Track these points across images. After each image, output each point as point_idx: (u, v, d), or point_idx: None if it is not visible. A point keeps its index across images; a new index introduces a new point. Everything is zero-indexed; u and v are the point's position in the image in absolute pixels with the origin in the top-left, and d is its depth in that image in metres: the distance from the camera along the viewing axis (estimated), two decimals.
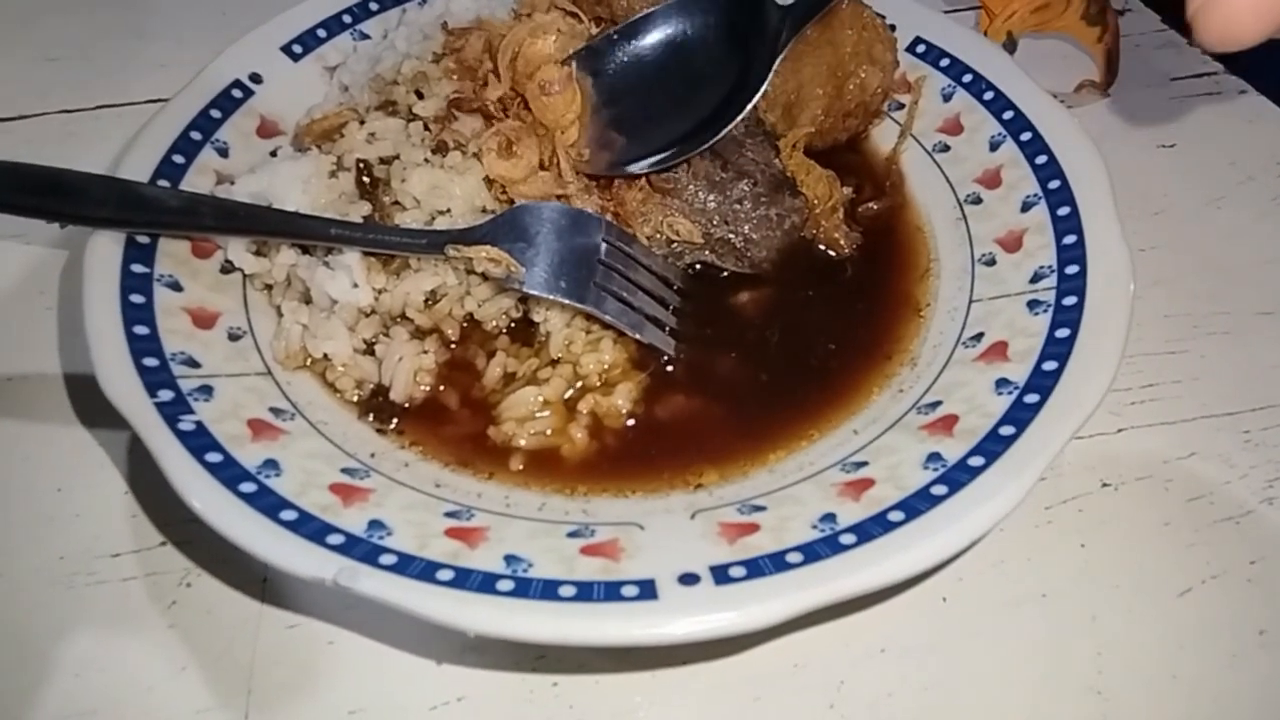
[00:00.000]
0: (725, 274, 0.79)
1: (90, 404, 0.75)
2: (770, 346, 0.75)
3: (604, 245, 0.72)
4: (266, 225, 0.69)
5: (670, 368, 0.72)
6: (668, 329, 0.73)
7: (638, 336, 0.71)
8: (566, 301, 0.69)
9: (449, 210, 0.73)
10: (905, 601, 0.64)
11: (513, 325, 0.75)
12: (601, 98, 0.77)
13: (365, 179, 0.74)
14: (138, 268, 0.68)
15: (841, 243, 0.81)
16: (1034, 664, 0.62)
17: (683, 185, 0.78)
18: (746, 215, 0.78)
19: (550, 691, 0.61)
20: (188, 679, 0.61)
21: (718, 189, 0.78)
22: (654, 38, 0.78)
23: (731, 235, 0.78)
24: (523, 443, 0.68)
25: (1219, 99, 1.03)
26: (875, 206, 0.85)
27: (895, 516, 0.56)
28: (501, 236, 0.68)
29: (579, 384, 0.71)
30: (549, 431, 0.69)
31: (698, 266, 0.79)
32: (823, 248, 0.82)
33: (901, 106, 0.90)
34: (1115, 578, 0.66)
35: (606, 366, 0.72)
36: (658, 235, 0.77)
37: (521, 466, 0.67)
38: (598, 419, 0.70)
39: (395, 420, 0.69)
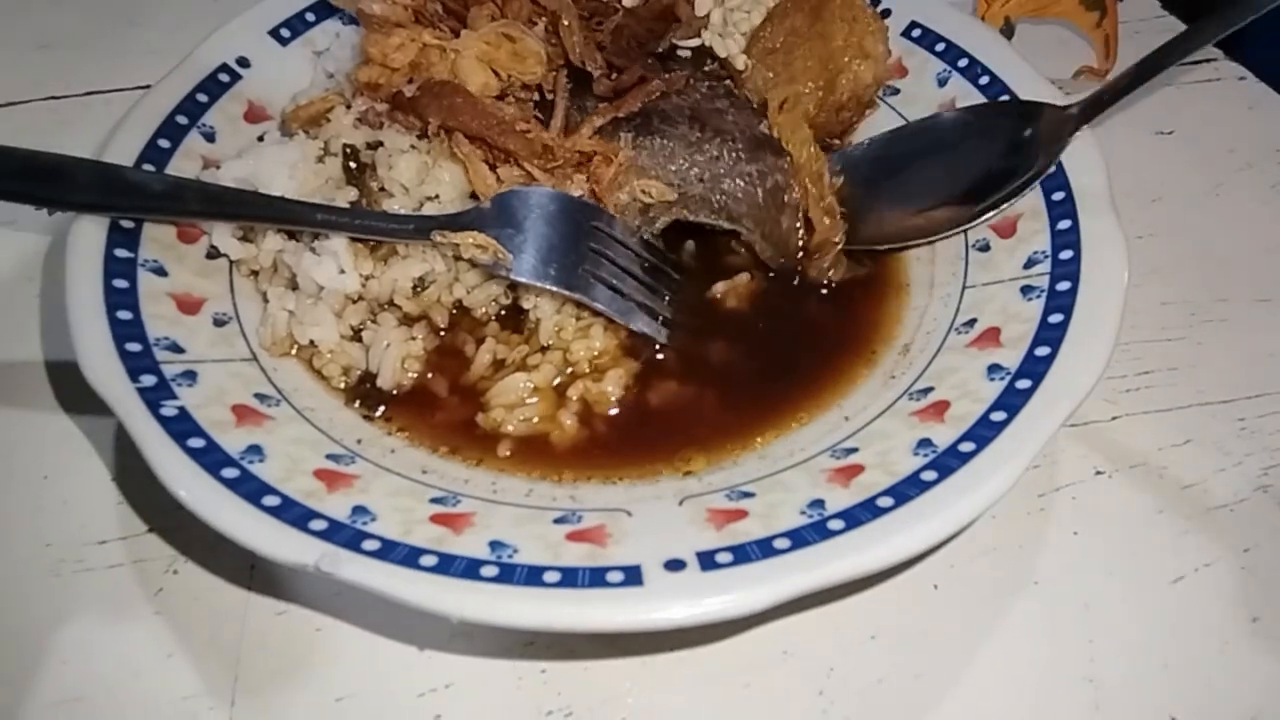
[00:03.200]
0: (719, 260, 0.77)
1: (77, 391, 0.73)
2: (762, 334, 0.74)
3: (595, 231, 0.71)
4: (251, 210, 0.69)
5: (661, 355, 0.72)
6: (660, 318, 0.72)
7: (628, 324, 0.70)
8: (555, 289, 0.68)
9: (438, 196, 0.72)
10: (896, 588, 0.64)
11: (502, 312, 0.74)
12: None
13: (352, 164, 0.73)
14: (122, 252, 0.67)
15: (826, 222, 0.78)
16: (1026, 652, 0.62)
17: (656, 150, 0.75)
18: (726, 172, 0.75)
19: (539, 678, 0.60)
20: (175, 665, 0.61)
21: (694, 148, 0.75)
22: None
23: (708, 192, 0.75)
24: (511, 429, 0.67)
25: (1218, 85, 1.02)
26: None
27: (884, 502, 0.56)
28: (489, 222, 0.68)
29: (569, 370, 0.70)
30: (538, 418, 0.68)
31: (686, 248, 0.77)
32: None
33: (897, 91, 0.89)
34: (1108, 565, 0.66)
35: (597, 353, 0.71)
36: (633, 202, 0.75)
37: (509, 453, 0.66)
38: (588, 405, 0.69)
39: (382, 407, 0.68)
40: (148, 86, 0.97)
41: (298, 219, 0.68)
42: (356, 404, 0.68)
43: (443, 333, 0.73)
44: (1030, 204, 0.74)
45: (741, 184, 0.75)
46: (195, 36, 0.85)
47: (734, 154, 0.75)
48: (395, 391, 0.69)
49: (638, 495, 0.63)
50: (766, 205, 0.76)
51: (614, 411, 0.69)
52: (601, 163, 0.73)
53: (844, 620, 0.62)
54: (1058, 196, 0.72)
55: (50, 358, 0.77)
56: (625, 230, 0.73)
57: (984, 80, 0.84)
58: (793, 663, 0.61)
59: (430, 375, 0.71)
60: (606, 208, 0.74)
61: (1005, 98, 0.81)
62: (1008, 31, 1.00)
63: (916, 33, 0.89)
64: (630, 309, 0.70)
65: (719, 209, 0.75)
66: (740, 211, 0.75)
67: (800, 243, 0.78)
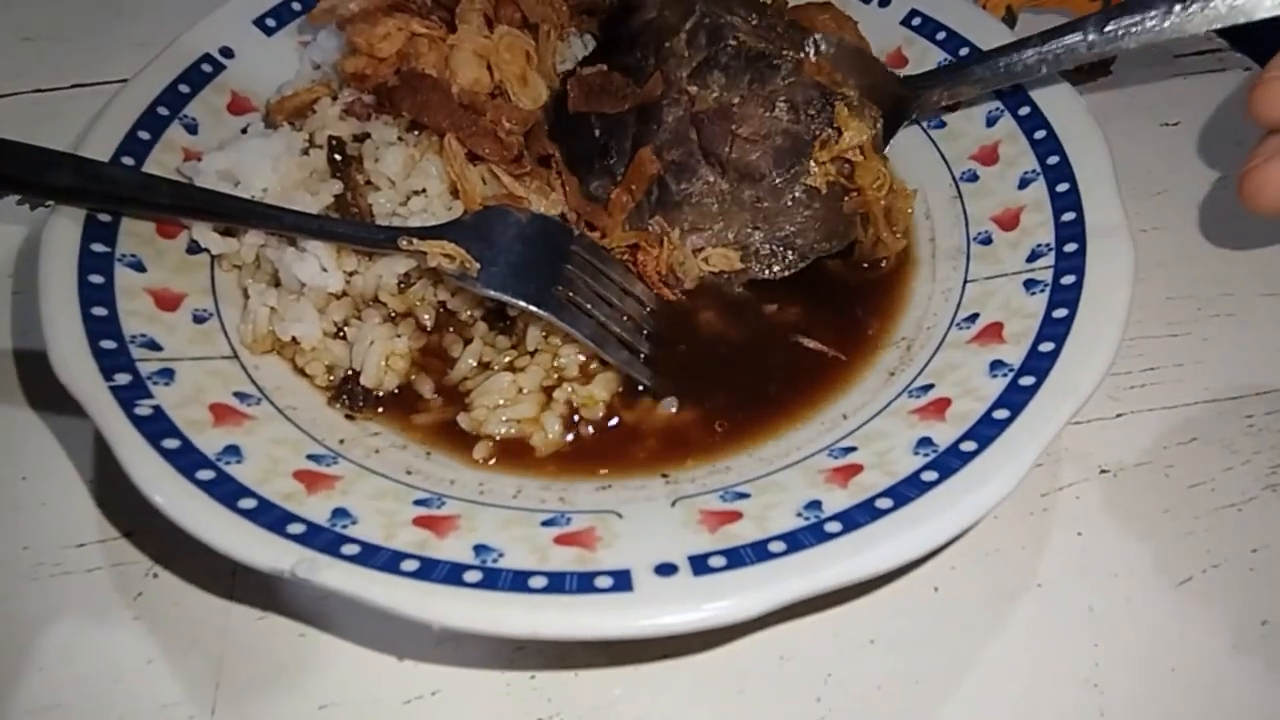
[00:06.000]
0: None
1: (56, 389, 0.72)
2: (755, 333, 0.72)
3: (573, 254, 0.68)
4: (221, 210, 0.67)
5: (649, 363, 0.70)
6: (641, 355, 0.69)
7: (600, 352, 0.66)
8: (523, 304, 0.65)
9: (424, 190, 0.71)
10: (896, 591, 0.62)
11: (488, 315, 0.72)
12: None
13: (337, 157, 0.71)
14: (98, 247, 0.65)
15: (890, 237, 0.72)
16: (1028, 656, 0.60)
17: (691, 214, 0.71)
18: (777, 211, 0.70)
19: (528, 684, 0.59)
20: (154, 672, 0.59)
21: (729, 199, 0.70)
22: None
23: (770, 240, 0.70)
24: (495, 430, 0.65)
25: (1223, 76, 1.00)
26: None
27: (883, 504, 0.54)
28: (465, 235, 0.65)
29: (557, 375, 0.68)
30: (523, 420, 0.66)
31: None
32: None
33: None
34: (1113, 567, 0.64)
35: (587, 358, 0.69)
36: (703, 278, 0.72)
37: (490, 456, 0.64)
38: (574, 409, 0.67)
39: (366, 406, 0.67)
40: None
41: (266, 222, 0.67)
42: (341, 403, 0.67)
43: (429, 331, 0.71)
44: (1034, 195, 0.72)
45: (800, 213, 0.70)
46: (181, 27, 0.83)
47: (773, 185, 0.70)
48: (379, 391, 0.68)
49: (629, 496, 0.61)
50: (833, 210, 0.71)
51: (602, 415, 0.67)
52: (646, 250, 0.69)
53: (842, 624, 0.61)
54: (1062, 188, 0.71)
55: (28, 355, 0.75)
56: (604, 257, 0.71)
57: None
58: (790, 668, 0.60)
59: (414, 376, 0.69)
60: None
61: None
62: (1009, 20, 0.98)
63: (916, 20, 0.87)
64: (605, 338, 0.67)
65: (792, 254, 0.71)
66: (811, 241, 0.70)
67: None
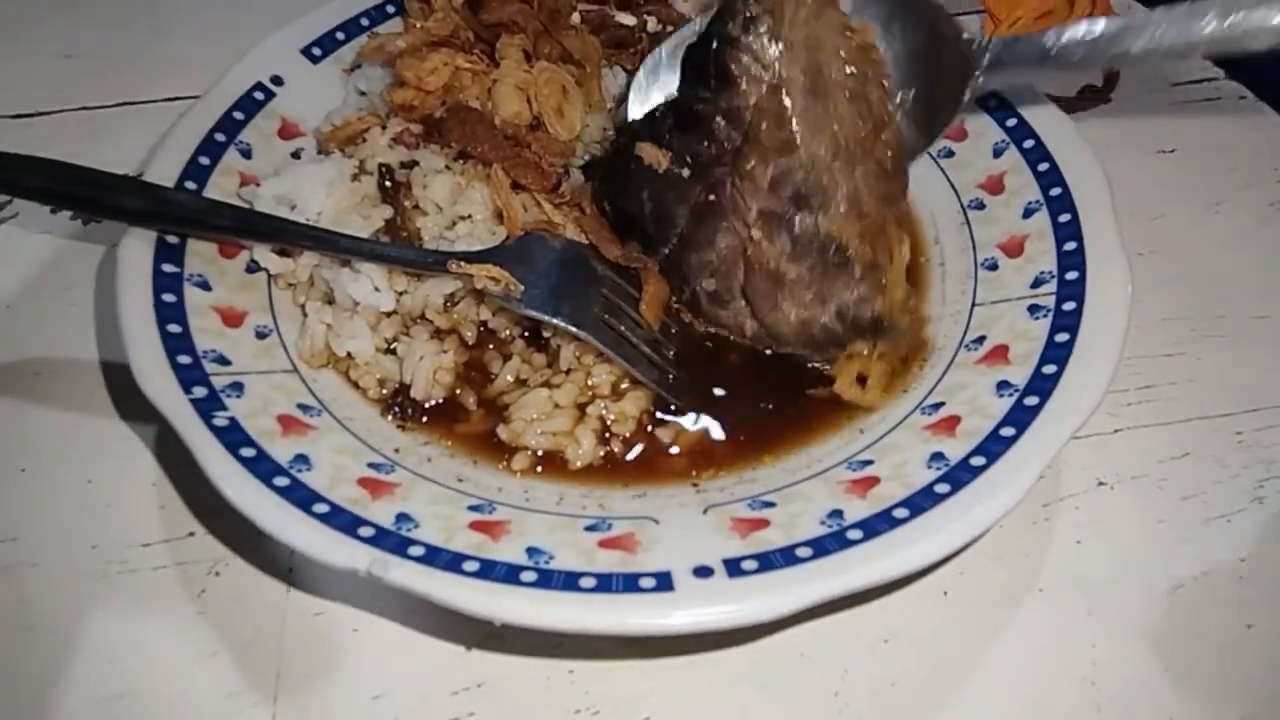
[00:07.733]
0: None
1: (118, 396, 0.76)
2: (777, 354, 0.75)
3: (609, 279, 0.73)
4: (281, 234, 0.71)
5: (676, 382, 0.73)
6: (670, 375, 0.72)
7: (633, 371, 0.70)
8: (562, 324, 0.69)
9: (470, 216, 0.74)
10: (908, 594, 0.66)
11: (526, 334, 0.76)
12: None
13: (387, 183, 0.75)
14: (168, 267, 0.69)
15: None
16: (1031, 655, 0.64)
17: (713, 323, 0.74)
18: (787, 353, 0.73)
19: (567, 678, 0.63)
20: (218, 664, 0.63)
21: (750, 337, 0.73)
22: None
23: (764, 349, 0.74)
24: (532, 443, 0.69)
25: (1219, 105, 1.03)
26: None
27: (900, 513, 0.58)
28: (508, 259, 0.70)
29: (590, 392, 0.72)
30: (558, 433, 0.69)
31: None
32: None
33: None
34: (1110, 573, 0.68)
35: (618, 377, 0.72)
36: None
37: (529, 467, 0.68)
38: (606, 425, 0.70)
39: (416, 417, 0.71)
40: (175, 97, 1.00)
41: (321, 245, 0.71)
42: (392, 414, 0.71)
43: (471, 348, 0.75)
44: (1037, 225, 0.76)
45: (805, 359, 0.73)
46: (220, 47, 0.87)
47: (794, 352, 0.72)
48: (428, 403, 0.72)
49: (662, 504, 0.65)
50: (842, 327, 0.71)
51: (633, 430, 0.70)
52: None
53: (858, 625, 0.65)
54: (1064, 218, 0.75)
55: (92, 364, 0.79)
56: (634, 281, 0.74)
57: (991, 102, 0.86)
58: (809, 665, 0.63)
59: (458, 391, 0.73)
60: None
61: (1012, 120, 0.84)
62: None
63: None
64: (637, 358, 0.71)
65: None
66: (800, 362, 0.73)
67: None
